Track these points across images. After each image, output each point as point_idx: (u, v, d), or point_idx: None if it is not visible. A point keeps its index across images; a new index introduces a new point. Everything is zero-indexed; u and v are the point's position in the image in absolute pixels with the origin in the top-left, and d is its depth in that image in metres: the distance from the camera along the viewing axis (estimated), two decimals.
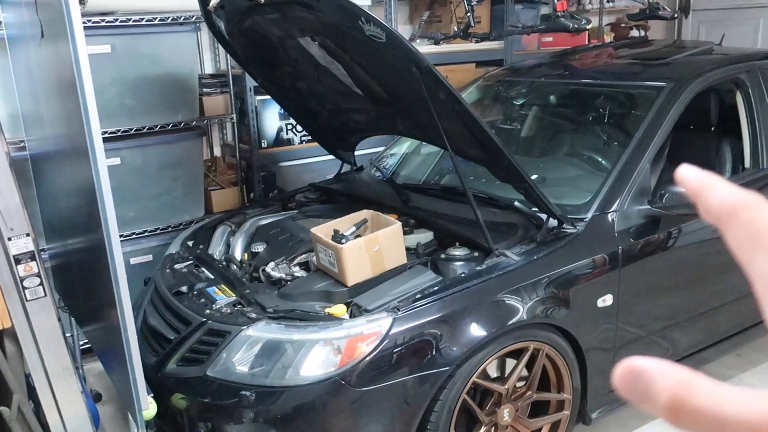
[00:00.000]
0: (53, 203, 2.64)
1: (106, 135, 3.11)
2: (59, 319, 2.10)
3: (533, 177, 2.53)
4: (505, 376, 2.28)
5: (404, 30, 4.65)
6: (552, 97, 3.40)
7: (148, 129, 3.26)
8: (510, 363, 2.29)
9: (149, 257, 3.34)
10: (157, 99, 3.26)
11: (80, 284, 2.50)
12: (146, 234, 3.38)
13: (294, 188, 3.55)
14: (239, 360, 2.10)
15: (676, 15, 5.31)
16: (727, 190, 0.32)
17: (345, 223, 2.44)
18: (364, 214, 2.51)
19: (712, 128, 3.24)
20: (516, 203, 2.50)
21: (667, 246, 2.55)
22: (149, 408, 1.92)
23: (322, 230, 2.37)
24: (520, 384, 2.31)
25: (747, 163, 2.95)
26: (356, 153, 3.48)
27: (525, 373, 2.30)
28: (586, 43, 4.87)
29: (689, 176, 0.33)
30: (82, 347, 2.98)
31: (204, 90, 3.65)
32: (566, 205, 2.48)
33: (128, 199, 3.26)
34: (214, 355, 2.13)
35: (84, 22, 1.81)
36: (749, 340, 3.01)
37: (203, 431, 2.12)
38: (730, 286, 2.80)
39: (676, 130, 2.72)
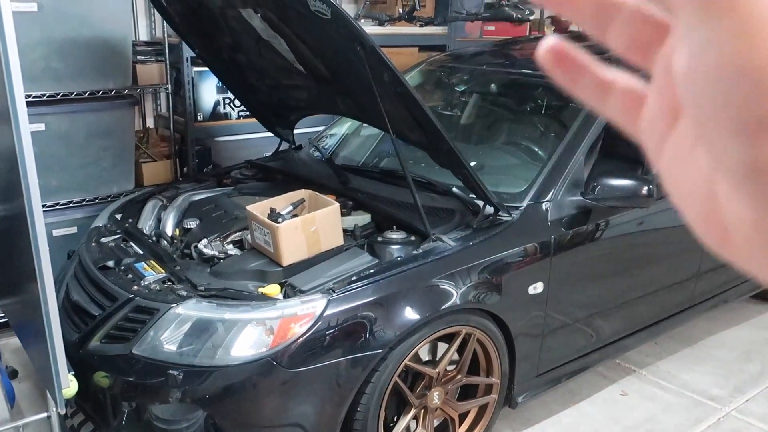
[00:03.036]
0: None
1: (30, 99, 2.94)
2: None
3: (472, 164, 2.56)
4: (437, 359, 2.30)
5: (349, 9, 4.59)
6: (492, 85, 3.43)
7: (76, 95, 3.09)
8: (441, 347, 2.32)
9: (74, 229, 3.20)
10: (87, 63, 3.10)
11: None
12: (71, 205, 3.23)
13: (230, 164, 3.46)
14: (167, 338, 2.04)
15: None
16: None
17: (282, 202, 2.40)
18: (302, 193, 2.48)
19: None
20: (454, 189, 2.52)
21: (595, 237, 2.62)
22: (69, 386, 1.84)
23: (258, 208, 2.33)
24: (450, 368, 2.35)
25: None
26: (295, 131, 3.42)
27: (456, 357, 2.34)
28: (527, 34, 4.94)
29: None
30: None
31: (138, 57, 3.50)
32: (502, 193, 2.51)
33: (52, 168, 3.10)
34: (140, 333, 2.06)
35: None
36: (667, 330, 3.15)
37: (126, 410, 2.06)
38: (651, 278, 2.92)
39: (610, 125, 2.78)
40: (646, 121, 0.30)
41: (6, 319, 2.63)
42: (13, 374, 2.85)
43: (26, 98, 2.89)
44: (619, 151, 3.32)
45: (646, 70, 0.30)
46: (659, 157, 0.30)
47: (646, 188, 2.44)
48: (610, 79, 0.32)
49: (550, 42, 0.32)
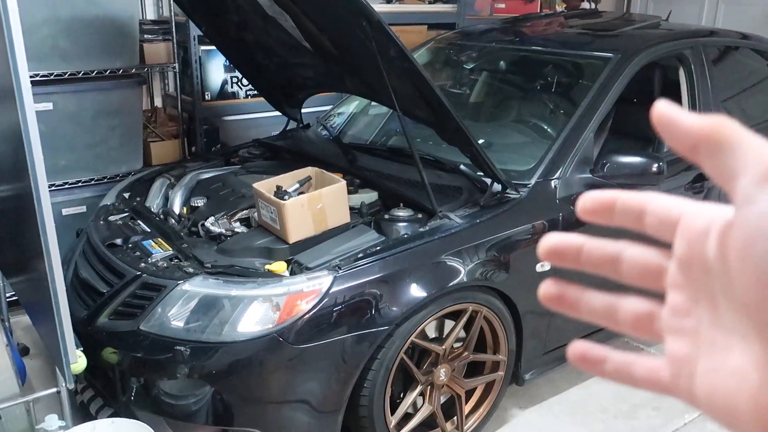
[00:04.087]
0: None
1: (38, 78, 2.94)
2: None
3: (480, 141, 2.54)
4: (443, 336, 2.30)
5: None
6: (502, 63, 3.40)
7: (83, 74, 3.09)
8: (448, 324, 2.31)
9: (83, 208, 3.21)
10: (94, 42, 3.10)
11: (6, 234, 2.38)
12: (80, 184, 3.24)
13: (238, 143, 3.46)
14: (174, 315, 2.05)
15: None
16: (695, 119, 0.32)
17: (288, 180, 2.40)
18: (309, 171, 2.47)
19: (654, 101, 3.30)
20: (461, 167, 2.50)
21: None
22: (78, 362, 1.86)
23: (265, 186, 2.32)
24: (457, 345, 2.35)
25: None
26: (303, 110, 3.41)
27: (462, 334, 2.34)
28: (538, 11, 4.88)
29: (664, 112, 0.33)
30: (8, 299, 2.86)
31: (145, 36, 3.49)
32: (511, 171, 2.49)
33: (61, 147, 3.11)
34: (148, 310, 2.08)
35: None
36: None
37: (135, 386, 2.08)
38: None
39: (620, 102, 2.76)
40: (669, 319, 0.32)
41: (17, 298, 2.65)
42: (25, 351, 2.89)
43: (34, 77, 2.91)
44: (629, 129, 3.29)
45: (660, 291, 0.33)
46: (692, 364, 0.31)
47: (656, 165, 2.41)
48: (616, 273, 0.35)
49: (550, 241, 0.34)
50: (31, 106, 1.65)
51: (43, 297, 1.83)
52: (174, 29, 3.53)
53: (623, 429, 2.60)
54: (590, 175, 2.51)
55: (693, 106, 2.97)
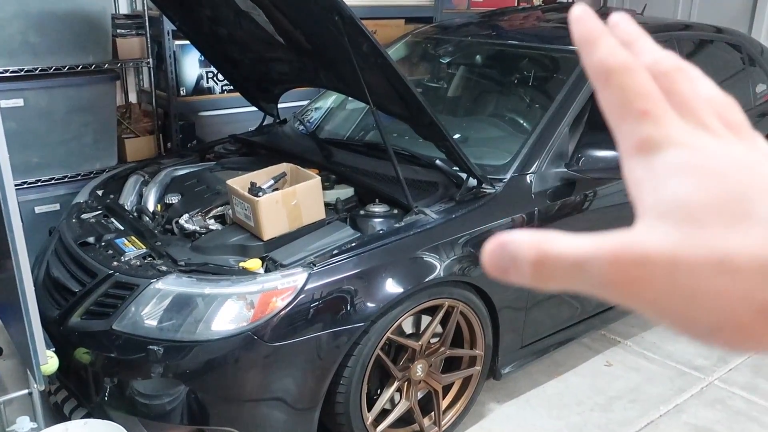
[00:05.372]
0: None
1: (8, 74, 2.89)
2: None
3: (455, 136, 2.53)
4: (420, 332, 2.30)
5: None
6: (478, 57, 3.39)
7: (54, 69, 3.04)
8: (425, 320, 2.31)
9: (56, 206, 3.17)
10: (65, 38, 3.05)
11: None
12: (53, 182, 3.19)
13: (214, 139, 3.43)
14: (148, 314, 2.03)
15: None
16: (609, 50, 0.32)
17: (263, 176, 2.38)
18: (283, 167, 2.46)
19: None
20: (437, 162, 2.50)
21: (581, 208, 2.62)
22: (48, 363, 1.83)
23: (239, 182, 2.30)
24: (434, 340, 2.35)
25: None
26: (280, 105, 3.38)
27: (439, 329, 2.34)
28: (516, 5, 4.88)
29: (581, 19, 0.33)
30: None
31: (118, 31, 3.44)
32: (486, 165, 2.49)
33: (33, 144, 3.06)
34: (121, 309, 2.05)
35: None
36: None
37: (108, 386, 2.05)
38: None
39: (595, 97, 2.76)
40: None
41: None
42: None
43: (3, 73, 2.86)
44: (605, 123, 3.31)
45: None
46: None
47: None
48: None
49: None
50: None
51: (12, 297, 1.80)
52: (147, 24, 3.48)
53: (600, 421, 2.62)
54: (565, 170, 2.52)
55: None
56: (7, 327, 2.17)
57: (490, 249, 0.31)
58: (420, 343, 2.26)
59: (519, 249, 0.30)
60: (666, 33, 3.10)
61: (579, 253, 0.29)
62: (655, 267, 0.27)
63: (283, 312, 1.97)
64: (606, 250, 0.28)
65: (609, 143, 2.73)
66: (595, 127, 3.09)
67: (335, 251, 2.09)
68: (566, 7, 4.34)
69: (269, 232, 2.17)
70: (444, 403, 2.44)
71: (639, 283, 0.28)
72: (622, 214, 2.76)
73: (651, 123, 0.31)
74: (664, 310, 0.28)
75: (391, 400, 2.30)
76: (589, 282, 0.29)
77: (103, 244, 2.33)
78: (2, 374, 2.59)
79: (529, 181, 2.47)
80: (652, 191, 0.30)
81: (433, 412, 2.40)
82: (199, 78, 3.69)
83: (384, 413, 2.28)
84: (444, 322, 2.33)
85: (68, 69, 3.08)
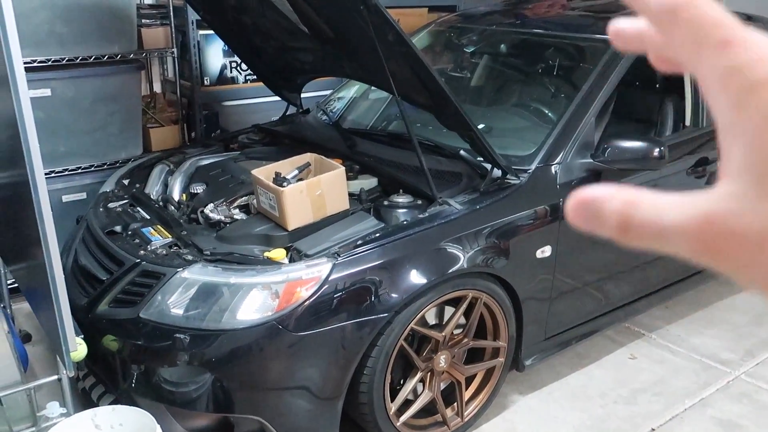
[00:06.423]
0: None
1: (36, 64, 2.93)
2: None
3: (480, 126, 2.52)
4: (443, 323, 2.30)
5: None
6: (503, 46, 3.36)
7: (81, 59, 3.07)
8: (448, 310, 2.31)
9: (83, 195, 3.21)
10: (91, 28, 3.07)
11: (5, 221, 2.38)
12: (80, 171, 3.23)
13: (237, 129, 3.44)
14: (174, 302, 2.05)
15: None
16: None
17: (287, 166, 2.38)
18: (308, 157, 2.46)
19: (657, 86, 3.28)
20: (461, 152, 2.49)
21: None
22: (77, 349, 1.86)
23: (264, 172, 2.31)
24: (457, 331, 2.34)
25: (688, 122, 3.00)
26: (303, 95, 3.38)
27: (462, 320, 2.33)
28: None
29: None
30: (10, 286, 2.86)
31: (143, 21, 3.46)
32: (511, 156, 2.47)
33: (60, 134, 3.10)
34: (147, 297, 2.08)
35: None
36: (677, 294, 3.13)
37: (135, 373, 2.08)
38: None
39: (622, 86, 2.73)
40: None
41: (17, 285, 2.65)
42: (27, 338, 2.89)
43: (31, 63, 2.90)
44: (631, 113, 3.27)
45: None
46: None
47: (657, 150, 2.39)
48: None
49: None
50: (25, 93, 1.63)
51: (42, 284, 1.83)
52: (172, 13, 3.49)
53: (624, 414, 2.60)
54: (591, 160, 2.49)
55: (695, 90, 2.94)
56: (38, 314, 2.21)
57: (572, 206, 0.30)
58: (443, 334, 2.26)
59: (602, 210, 0.29)
60: None
61: (663, 223, 0.28)
62: (744, 242, 0.26)
63: (307, 302, 1.98)
64: (691, 222, 0.27)
65: (635, 133, 2.70)
66: (621, 117, 3.05)
67: (359, 242, 2.09)
68: None
69: (294, 222, 2.18)
70: (467, 395, 2.44)
71: (725, 255, 0.27)
72: None
73: (734, 52, 0.27)
74: (752, 279, 0.27)
75: (414, 390, 2.31)
76: (674, 248, 0.28)
77: (129, 233, 2.35)
78: (32, 360, 2.64)
79: (554, 172, 2.44)
80: (743, 144, 0.27)
81: (455, 403, 2.40)
82: (223, 68, 3.70)
83: (407, 403, 2.29)
84: (467, 314, 2.32)
85: (94, 59, 3.11)
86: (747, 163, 0.26)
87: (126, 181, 2.80)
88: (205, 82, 3.66)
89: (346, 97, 3.39)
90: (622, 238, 0.29)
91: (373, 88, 3.16)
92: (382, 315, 2.05)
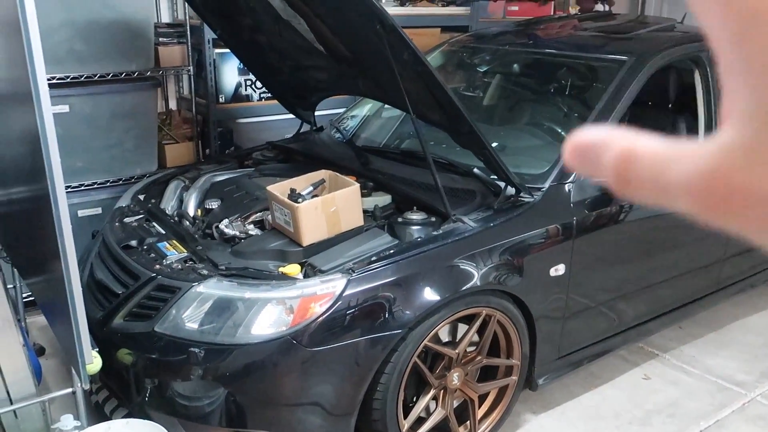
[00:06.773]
0: None
1: (55, 81, 2.97)
2: (0, 270, 2.02)
3: (493, 144, 2.53)
4: (457, 340, 2.30)
5: None
6: (515, 65, 3.39)
7: (99, 77, 3.12)
8: (462, 328, 2.31)
9: (98, 210, 3.24)
10: (110, 46, 3.13)
11: (24, 235, 2.40)
12: (96, 186, 3.27)
13: (251, 146, 3.47)
14: (189, 317, 2.06)
15: None
16: None
17: (302, 183, 2.40)
18: (322, 174, 2.48)
19: (670, 105, 3.29)
20: (475, 170, 2.50)
21: (619, 219, 2.59)
22: (93, 362, 1.87)
23: (279, 188, 2.33)
24: (470, 349, 2.34)
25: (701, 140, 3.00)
26: (316, 113, 3.42)
27: (476, 338, 2.33)
28: (552, 14, 4.86)
29: None
30: (25, 300, 2.88)
31: (160, 39, 3.52)
32: (524, 174, 2.48)
33: (77, 149, 3.14)
34: (162, 311, 2.09)
35: None
36: (690, 314, 3.11)
37: (149, 387, 2.09)
38: (675, 261, 2.88)
39: (635, 105, 2.74)
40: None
41: (33, 298, 2.67)
42: (41, 351, 2.91)
43: (50, 80, 2.94)
44: (644, 132, 3.27)
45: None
46: None
47: None
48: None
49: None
50: (48, 109, 1.66)
51: (60, 298, 1.85)
52: (189, 32, 3.55)
53: None
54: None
55: (709, 110, 2.95)
56: (53, 327, 2.23)
57: (570, 150, 0.28)
58: (457, 351, 2.25)
59: (600, 158, 0.28)
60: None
61: (664, 180, 0.26)
62: (754, 200, 0.24)
63: (321, 318, 1.98)
64: (695, 179, 0.25)
65: None
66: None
67: (373, 258, 2.10)
68: (603, 16, 4.31)
69: (308, 237, 2.19)
70: (480, 413, 2.42)
71: (733, 214, 0.25)
72: (657, 226, 2.72)
73: None
74: (758, 236, 0.25)
75: (427, 408, 2.30)
76: (678, 205, 0.26)
77: (145, 247, 2.37)
78: (45, 373, 2.65)
79: (567, 190, 2.45)
80: (748, 86, 0.24)
81: (468, 421, 2.39)
82: (238, 85, 3.75)
83: (420, 421, 2.28)
84: (481, 331, 2.32)
85: (112, 76, 3.16)
86: (753, 108, 0.23)
87: (141, 197, 2.83)
88: (220, 99, 3.70)
89: (360, 115, 3.42)
90: (623, 191, 0.27)
91: (386, 106, 3.18)
92: (395, 331, 2.05)
